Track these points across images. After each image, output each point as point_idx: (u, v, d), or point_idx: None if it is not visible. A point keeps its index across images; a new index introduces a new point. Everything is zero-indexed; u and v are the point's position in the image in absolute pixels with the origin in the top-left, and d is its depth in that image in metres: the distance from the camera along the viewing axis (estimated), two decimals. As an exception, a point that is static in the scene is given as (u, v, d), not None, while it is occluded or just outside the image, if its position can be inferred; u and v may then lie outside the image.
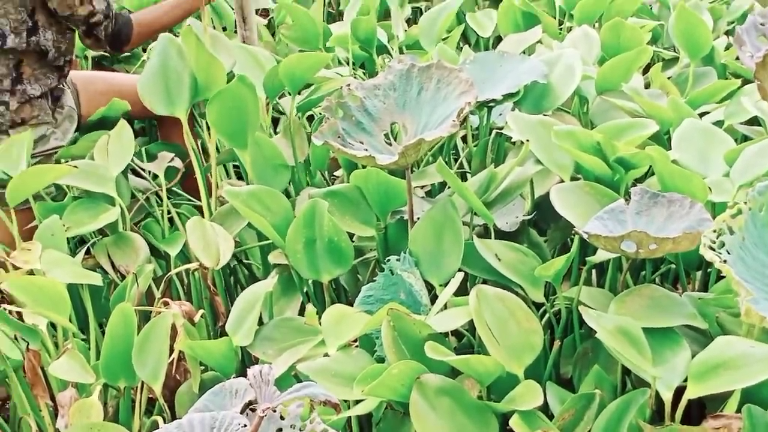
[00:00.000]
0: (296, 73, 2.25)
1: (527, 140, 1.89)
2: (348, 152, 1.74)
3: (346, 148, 1.78)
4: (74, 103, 2.46)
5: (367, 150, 1.81)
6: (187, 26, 2.19)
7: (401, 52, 3.02)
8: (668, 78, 2.58)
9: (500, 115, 2.35)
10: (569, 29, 3.04)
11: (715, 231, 1.32)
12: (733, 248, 1.31)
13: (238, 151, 2.14)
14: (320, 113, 2.43)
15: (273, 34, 3.34)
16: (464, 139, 2.50)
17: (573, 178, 1.91)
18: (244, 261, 2.30)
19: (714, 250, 1.29)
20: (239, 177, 2.75)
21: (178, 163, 2.34)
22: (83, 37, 2.38)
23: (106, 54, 2.87)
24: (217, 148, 2.35)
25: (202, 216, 2.11)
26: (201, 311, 1.81)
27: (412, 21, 3.71)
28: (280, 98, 2.45)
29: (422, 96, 1.87)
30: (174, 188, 2.42)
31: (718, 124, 2.20)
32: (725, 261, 1.27)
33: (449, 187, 2.08)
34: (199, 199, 2.19)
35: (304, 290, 1.96)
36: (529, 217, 1.98)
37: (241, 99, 2.10)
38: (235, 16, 2.75)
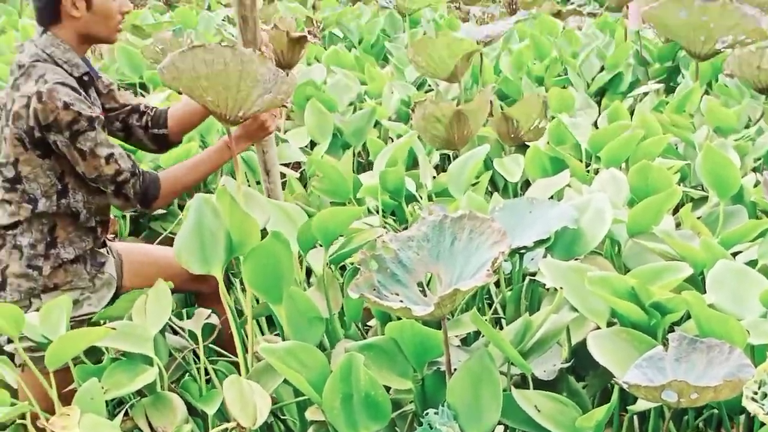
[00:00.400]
0: (329, 227, 2.29)
1: (561, 288, 1.89)
2: (384, 305, 1.75)
3: (381, 300, 1.79)
4: (116, 272, 2.48)
5: (402, 301, 1.82)
6: (221, 186, 2.23)
7: (430, 199, 3.05)
8: (698, 218, 2.59)
9: (532, 260, 2.36)
10: (596, 171, 3.07)
11: (756, 382, 1.30)
12: (774, 398, 1.30)
13: (273, 305, 2.16)
14: (352, 263, 2.45)
15: (305, 186, 3.39)
16: (497, 284, 2.50)
17: (609, 323, 1.90)
18: (281, 417, 2.28)
19: (756, 401, 1.28)
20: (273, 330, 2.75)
21: (214, 320, 2.36)
22: (112, 197, 2.37)
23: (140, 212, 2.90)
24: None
25: (239, 372, 2.11)
26: (240, 472, 1.80)
27: (440, 168, 3.77)
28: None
29: (455, 246, 1.89)
30: (211, 345, 2.43)
31: (752, 263, 2.19)
32: (768, 413, 1.26)
33: (484, 336, 2.07)
34: (236, 355, 2.20)
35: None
36: (567, 364, 1.97)
37: (275, 255, 2.13)
38: (259, 170, 2.81)
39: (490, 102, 3.41)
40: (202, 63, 2.16)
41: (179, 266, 2.19)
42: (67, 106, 2.21)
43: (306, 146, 3.73)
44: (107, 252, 2.47)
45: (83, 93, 2.32)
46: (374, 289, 1.84)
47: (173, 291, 2.28)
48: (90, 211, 2.38)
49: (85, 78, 2.34)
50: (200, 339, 2.25)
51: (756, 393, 1.29)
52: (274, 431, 2.33)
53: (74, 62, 2.33)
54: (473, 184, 2.98)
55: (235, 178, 2.52)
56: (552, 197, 2.76)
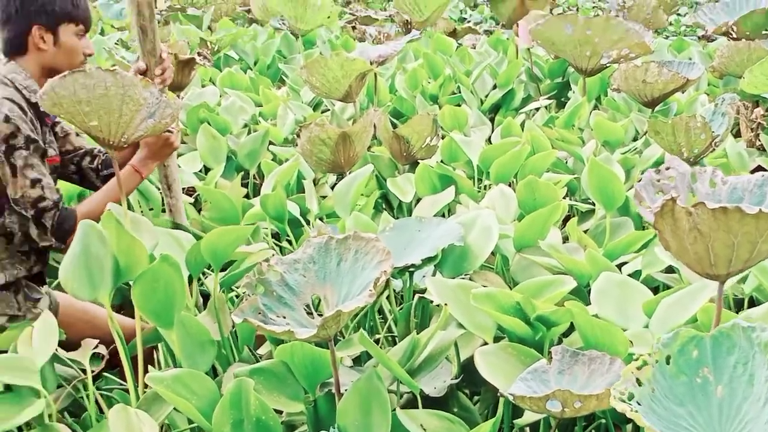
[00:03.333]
0: (218, 248, 2.26)
1: (446, 304, 1.91)
2: (267, 328, 1.73)
3: (266, 324, 1.77)
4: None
5: (288, 324, 1.81)
6: (107, 210, 2.19)
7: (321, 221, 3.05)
8: (585, 230, 2.64)
9: (423, 277, 2.38)
10: (487, 187, 3.11)
11: (623, 383, 1.33)
12: (643, 399, 1.33)
13: (164, 331, 2.13)
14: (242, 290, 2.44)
15: (199, 212, 3.36)
16: (390, 302, 2.51)
17: (496, 338, 1.92)
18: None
19: (624, 401, 1.31)
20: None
21: (102, 349, 2.31)
22: (31, 224, 2.35)
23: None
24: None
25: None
26: (130, 504, 1.76)
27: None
28: (206, 278, 2.45)
29: (341, 267, 1.89)
30: (108, 374, 2.39)
31: (636, 274, 2.24)
32: (636, 411, 1.29)
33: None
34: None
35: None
36: (456, 381, 1.98)
37: (164, 278, 2.09)
38: (161, 186, 2.77)
39: (374, 124, 3.41)
40: (83, 88, 2.13)
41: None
42: (7, 119, 2.25)
43: (200, 171, 3.69)
44: (45, 293, 2.44)
45: (31, 116, 2.35)
46: (260, 313, 1.82)
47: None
48: (26, 235, 2.37)
49: (41, 108, 2.30)
50: (88, 368, 2.21)
51: (623, 393, 1.32)
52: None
53: (33, 89, 2.37)
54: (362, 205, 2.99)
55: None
56: (444, 215, 2.79)
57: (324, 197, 3.27)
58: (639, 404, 1.31)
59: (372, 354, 1.87)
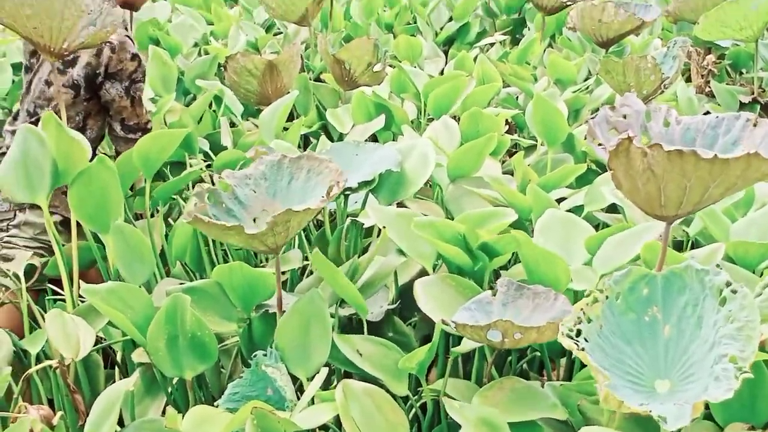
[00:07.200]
0: (151, 155, 2.25)
1: (383, 227, 1.89)
2: (217, 224, 1.69)
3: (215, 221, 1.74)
4: None
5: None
6: (47, 113, 2.14)
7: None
8: (527, 165, 2.64)
9: (356, 202, 2.37)
10: (430, 120, 3.09)
11: (572, 320, 1.33)
12: (590, 336, 1.33)
13: (101, 235, 2.11)
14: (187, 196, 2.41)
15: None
16: (317, 227, 2.49)
17: (434, 266, 1.92)
18: (117, 359, 2.22)
19: (572, 338, 1.31)
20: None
21: (36, 260, 2.27)
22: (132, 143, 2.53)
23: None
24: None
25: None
26: (60, 413, 1.74)
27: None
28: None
29: (293, 185, 1.87)
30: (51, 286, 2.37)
31: (578, 210, 2.24)
32: (583, 349, 1.29)
33: (308, 276, 2.06)
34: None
35: (168, 389, 1.90)
36: (393, 306, 1.98)
37: (101, 180, 2.08)
38: None
39: (301, 54, 3.32)
40: (26, -9, 2.08)
41: None
42: (134, 57, 2.56)
43: (152, 98, 3.59)
44: None
45: None
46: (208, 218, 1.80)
47: None
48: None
49: None
50: (23, 279, 2.17)
51: (572, 330, 1.32)
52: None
53: None
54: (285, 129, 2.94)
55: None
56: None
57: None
58: (586, 341, 1.31)
59: (323, 273, 1.84)
